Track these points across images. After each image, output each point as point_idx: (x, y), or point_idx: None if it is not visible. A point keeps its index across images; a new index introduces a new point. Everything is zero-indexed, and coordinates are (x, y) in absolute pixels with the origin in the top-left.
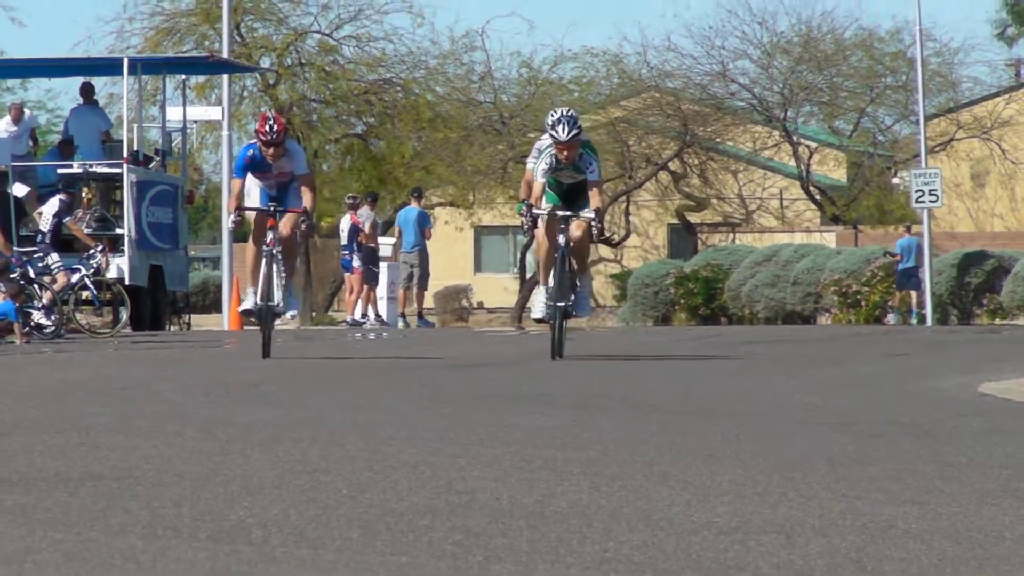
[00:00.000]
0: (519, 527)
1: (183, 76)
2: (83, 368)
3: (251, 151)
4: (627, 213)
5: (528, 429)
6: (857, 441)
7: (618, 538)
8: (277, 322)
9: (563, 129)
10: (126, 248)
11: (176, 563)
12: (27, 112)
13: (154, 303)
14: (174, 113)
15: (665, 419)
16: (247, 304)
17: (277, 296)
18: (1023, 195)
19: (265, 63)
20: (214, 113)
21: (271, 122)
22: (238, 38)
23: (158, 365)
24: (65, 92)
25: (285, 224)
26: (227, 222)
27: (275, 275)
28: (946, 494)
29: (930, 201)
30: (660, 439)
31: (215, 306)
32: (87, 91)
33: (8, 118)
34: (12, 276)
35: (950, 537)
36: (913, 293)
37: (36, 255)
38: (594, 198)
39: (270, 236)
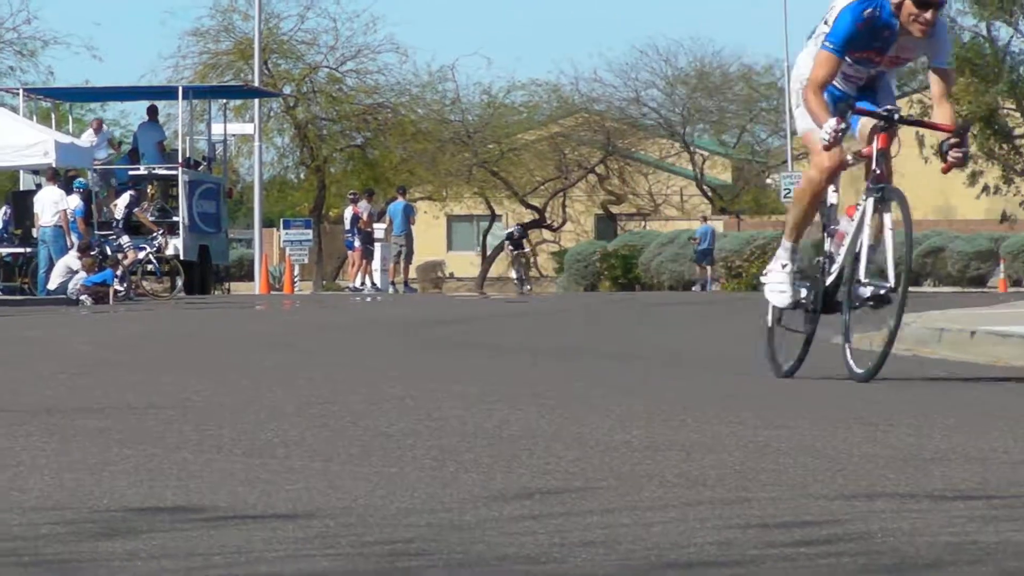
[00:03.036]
0: (482, 445)
1: (224, 100)
2: (147, 323)
3: (869, 10)
4: (564, 206)
5: (488, 370)
6: (739, 380)
7: (557, 454)
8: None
9: None
10: (180, 231)
11: (218, 472)
12: (105, 126)
13: (202, 274)
14: (217, 128)
15: (593, 363)
16: (787, 297)
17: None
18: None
19: (287, 91)
20: (247, 128)
21: None
22: (266, 71)
23: (205, 321)
24: (134, 112)
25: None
26: (822, 135)
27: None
28: (808, 420)
29: None
30: (589, 378)
31: (248, 276)
32: (152, 112)
33: (91, 131)
34: (92, 253)
35: (811, 453)
36: (708, 268)
37: (111, 237)
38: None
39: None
